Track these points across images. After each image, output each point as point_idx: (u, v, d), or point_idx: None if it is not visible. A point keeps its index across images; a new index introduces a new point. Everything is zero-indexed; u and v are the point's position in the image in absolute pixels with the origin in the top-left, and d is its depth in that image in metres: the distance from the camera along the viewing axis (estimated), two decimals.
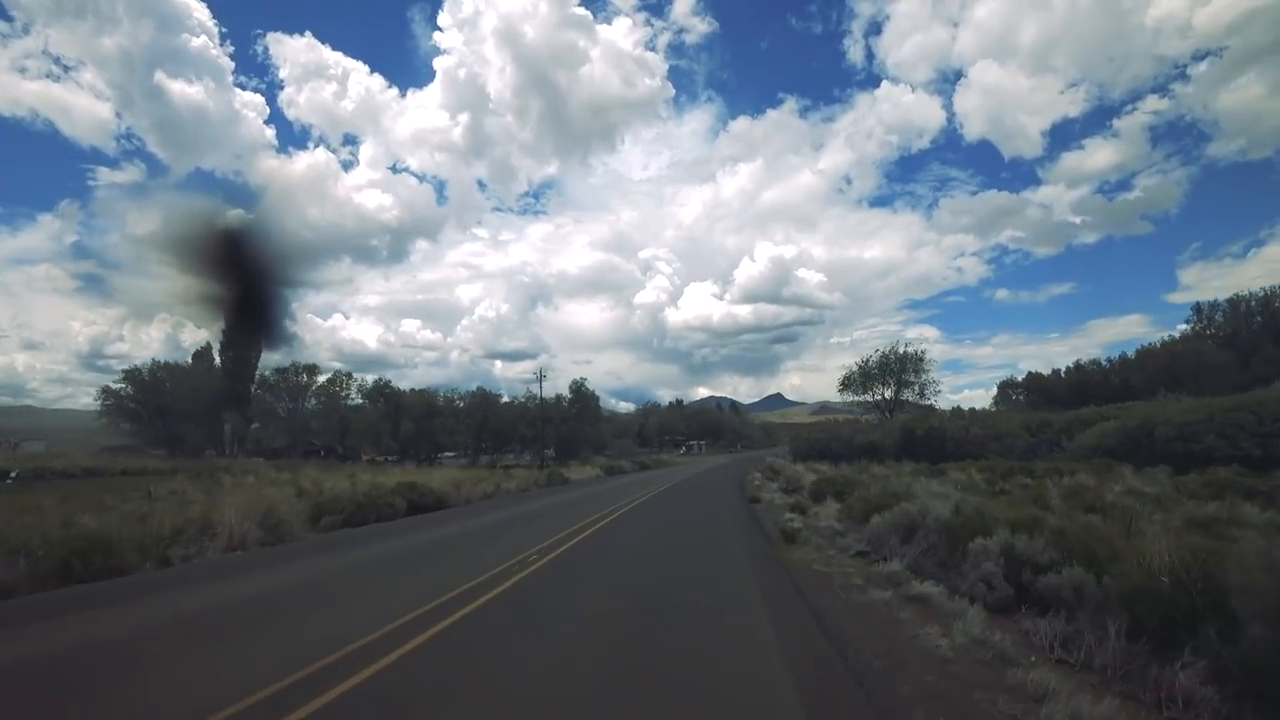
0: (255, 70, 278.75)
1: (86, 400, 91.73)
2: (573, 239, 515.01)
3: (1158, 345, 67.13)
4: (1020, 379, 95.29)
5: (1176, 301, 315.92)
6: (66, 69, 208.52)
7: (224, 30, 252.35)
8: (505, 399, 76.67)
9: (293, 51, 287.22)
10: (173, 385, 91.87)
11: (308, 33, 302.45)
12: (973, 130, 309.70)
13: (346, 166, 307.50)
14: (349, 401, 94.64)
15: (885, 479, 29.11)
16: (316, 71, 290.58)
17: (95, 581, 8.71)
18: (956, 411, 52.53)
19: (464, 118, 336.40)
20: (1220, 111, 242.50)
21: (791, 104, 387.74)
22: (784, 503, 19.00)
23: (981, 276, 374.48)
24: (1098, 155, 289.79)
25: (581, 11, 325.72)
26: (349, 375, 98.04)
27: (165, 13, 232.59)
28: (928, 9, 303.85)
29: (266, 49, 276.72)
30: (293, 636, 5.92)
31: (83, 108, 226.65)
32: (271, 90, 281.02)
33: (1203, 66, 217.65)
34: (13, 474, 37.38)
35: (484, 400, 72.51)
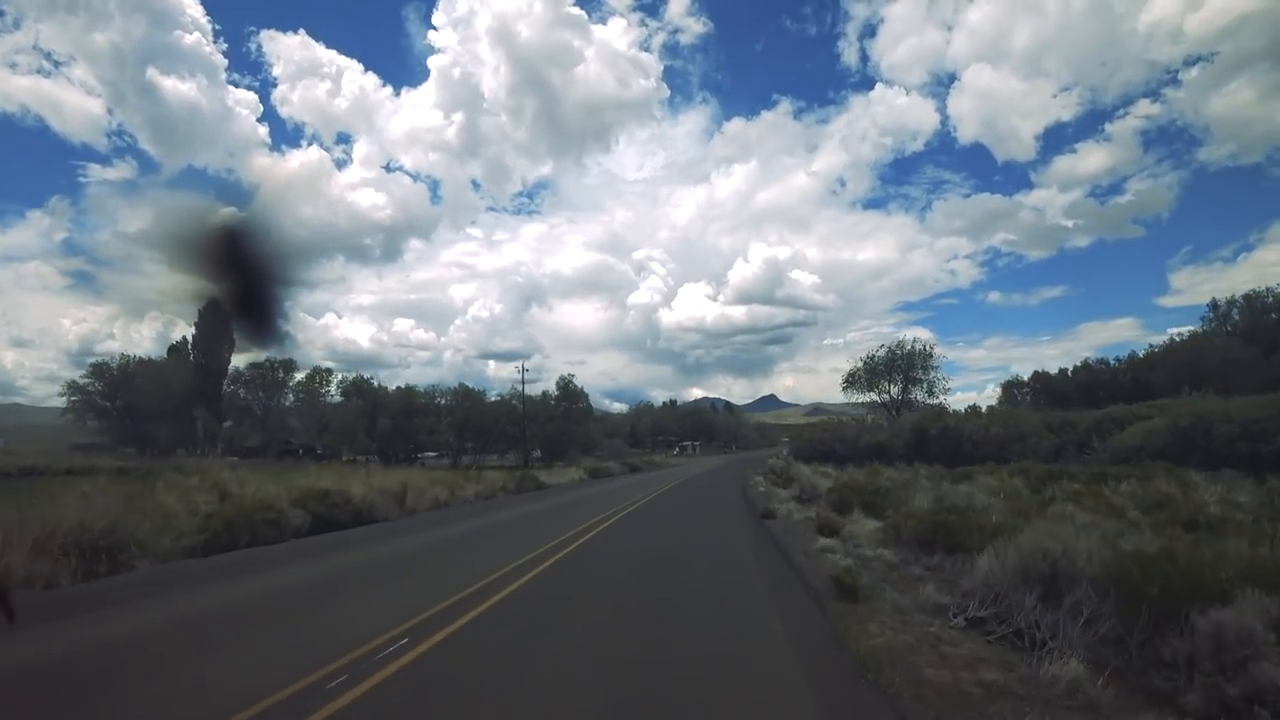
0: (248, 68, 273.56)
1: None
2: (567, 239, 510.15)
3: (1178, 342, 63.67)
4: (1020, 379, 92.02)
5: (1167, 305, 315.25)
6: (58, 64, 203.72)
7: (217, 27, 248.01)
8: (492, 397, 72.47)
9: (286, 49, 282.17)
10: (142, 380, 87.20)
11: (301, 30, 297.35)
12: (966, 133, 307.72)
13: (340, 165, 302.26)
14: (327, 399, 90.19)
15: (905, 484, 25.30)
16: (310, 69, 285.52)
17: None
18: (973, 410, 48.81)
19: (458, 117, 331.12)
20: (1211, 116, 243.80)
21: (786, 106, 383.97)
22: (803, 518, 15.08)
23: (974, 279, 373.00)
24: (1090, 159, 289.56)
25: (576, 11, 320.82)
26: (328, 372, 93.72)
27: (158, 9, 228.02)
28: (922, 12, 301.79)
29: (260, 46, 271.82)
30: None
31: (74, 104, 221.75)
32: (265, 88, 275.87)
33: (1194, 72, 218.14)
34: None
35: (467, 398, 68.29)
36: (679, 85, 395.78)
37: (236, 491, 17.13)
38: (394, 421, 66.95)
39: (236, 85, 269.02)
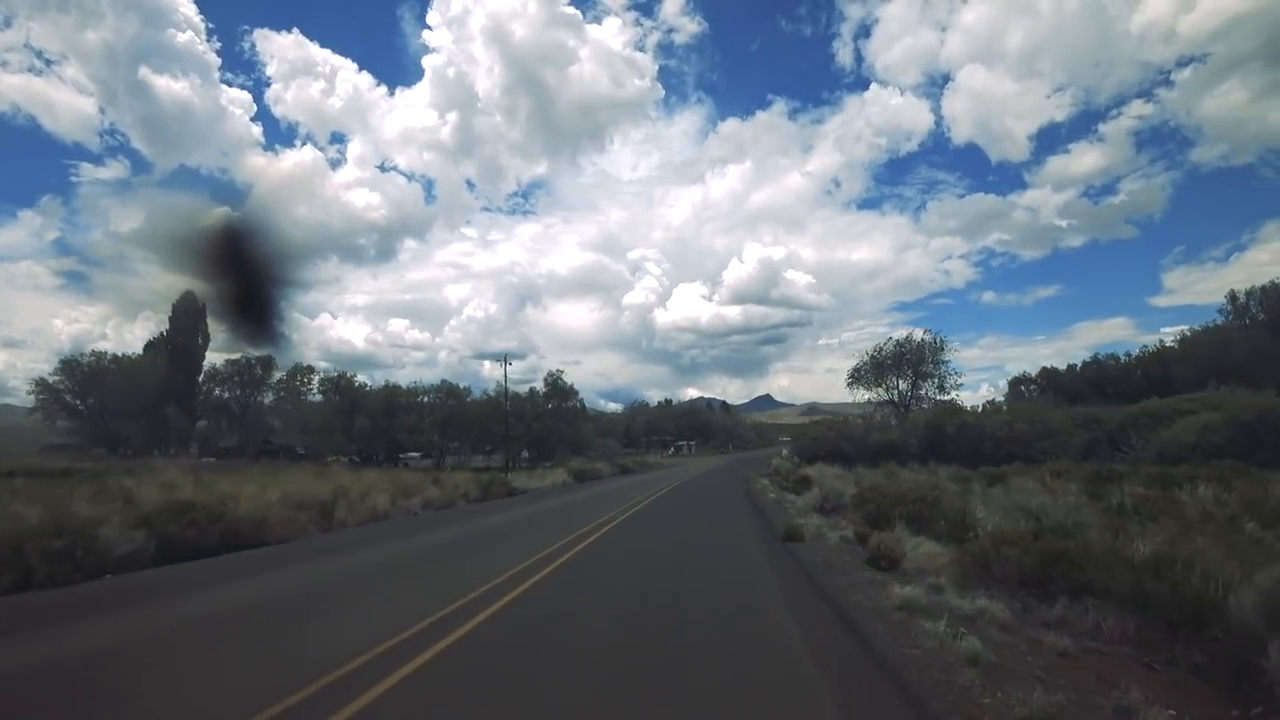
0: (242, 67, 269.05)
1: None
2: (561, 239, 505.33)
3: (1203, 334, 60.33)
4: (1028, 376, 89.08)
5: (1160, 305, 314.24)
6: (49, 63, 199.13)
7: (210, 26, 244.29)
8: (475, 395, 68.50)
9: (280, 48, 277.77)
10: (113, 378, 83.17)
11: (295, 29, 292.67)
12: (960, 133, 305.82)
13: (334, 165, 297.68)
14: (307, 398, 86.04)
15: (932, 486, 21.71)
16: (304, 69, 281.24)
17: None
18: (991, 406, 45.27)
19: (452, 117, 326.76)
20: (1203, 117, 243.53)
21: (781, 106, 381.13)
22: (839, 539, 11.38)
23: (969, 279, 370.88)
24: (1083, 159, 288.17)
25: (571, 10, 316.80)
26: (310, 369, 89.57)
27: (150, 7, 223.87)
28: (916, 13, 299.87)
29: (253, 45, 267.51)
30: None
31: (65, 103, 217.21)
32: (258, 87, 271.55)
33: (1186, 72, 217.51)
34: None
35: (450, 396, 64.44)
36: (674, 85, 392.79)
37: (149, 499, 13.32)
38: (373, 420, 63.11)
39: (230, 84, 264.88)
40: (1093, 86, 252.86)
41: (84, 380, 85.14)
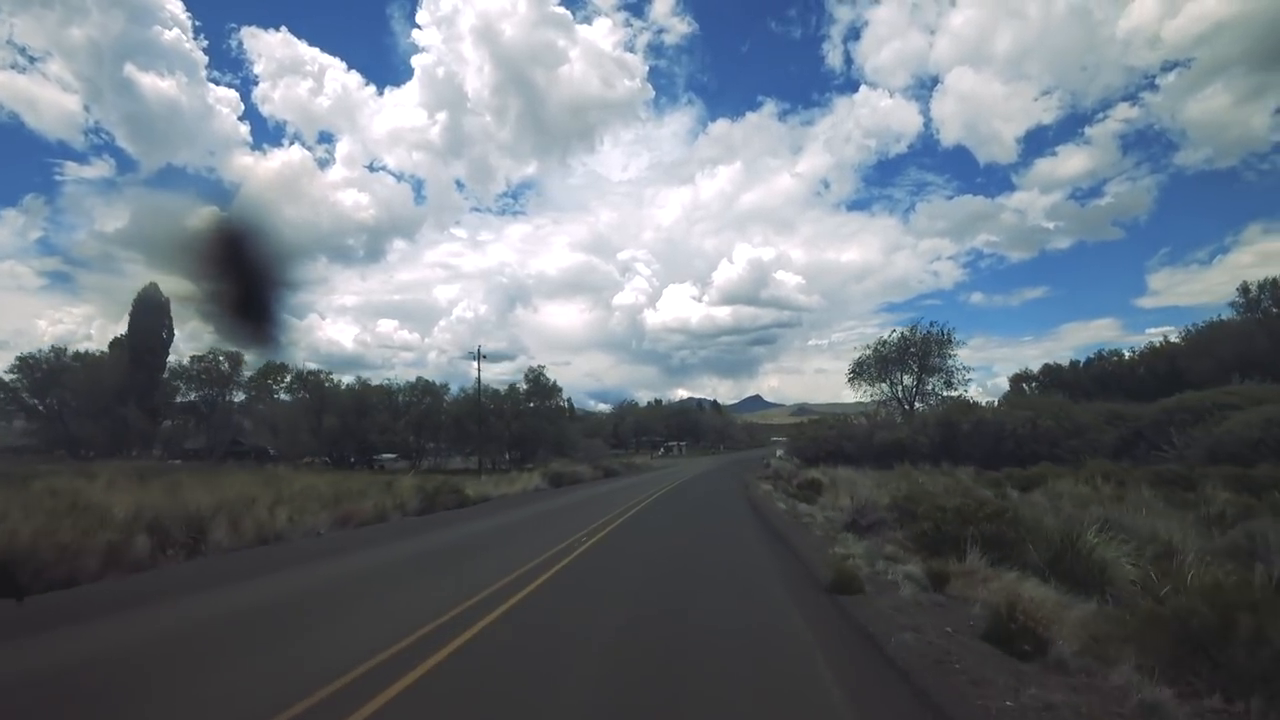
0: (229, 65, 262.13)
1: None
2: (551, 240, 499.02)
3: (1218, 327, 57.50)
4: (1030, 372, 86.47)
5: (1145, 306, 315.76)
6: (33, 59, 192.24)
7: (197, 24, 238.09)
8: (455, 394, 64.43)
9: (268, 46, 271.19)
10: (72, 376, 78.33)
11: (283, 28, 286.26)
12: (949, 136, 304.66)
13: (322, 164, 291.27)
14: (279, 396, 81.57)
15: (965, 492, 18.18)
16: (292, 67, 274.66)
17: None
18: (1013, 400, 41.87)
19: (442, 116, 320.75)
20: (1188, 121, 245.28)
21: (770, 107, 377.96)
22: (915, 593, 7.48)
23: (957, 280, 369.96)
24: (1070, 162, 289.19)
25: (561, 11, 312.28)
26: (282, 366, 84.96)
27: (136, 4, 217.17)
28: (906, 16, 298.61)
29: (241, 43, 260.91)
30: None
31: (49, 100, 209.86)
32: (246, 86, 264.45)
33: (1171, 77, 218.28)
34: None
35: (426, 394, 60.35)
36: (664, 86, 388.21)
37: None
38: (343, 420, 58.89)
39: (217, 83, 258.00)
40: (1079, 90, 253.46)
41: (42, 378, 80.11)
